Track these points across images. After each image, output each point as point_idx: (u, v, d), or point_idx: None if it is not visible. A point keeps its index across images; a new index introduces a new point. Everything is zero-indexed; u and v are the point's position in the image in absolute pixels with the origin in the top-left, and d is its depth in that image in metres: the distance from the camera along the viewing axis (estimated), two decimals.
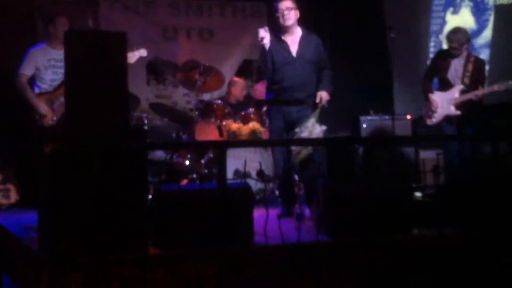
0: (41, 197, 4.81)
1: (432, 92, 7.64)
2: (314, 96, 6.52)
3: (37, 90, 6.86)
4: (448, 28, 10.38)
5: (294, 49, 6.55)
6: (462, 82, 7.55)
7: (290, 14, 6.47)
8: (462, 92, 7.52)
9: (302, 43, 6.56)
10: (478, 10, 10.50)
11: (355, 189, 5.08)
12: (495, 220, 5.24)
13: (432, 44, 10.35)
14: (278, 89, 6.52)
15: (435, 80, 7.89)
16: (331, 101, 6.64)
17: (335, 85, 6.70)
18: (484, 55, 10.41)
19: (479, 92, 7.56)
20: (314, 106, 6.50)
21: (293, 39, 6.58)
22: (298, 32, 6.61)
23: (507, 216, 5.26)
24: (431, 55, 10.23)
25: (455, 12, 10.46)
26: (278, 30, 6.61)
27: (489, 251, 5.14)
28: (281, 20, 6.50)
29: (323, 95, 6.44)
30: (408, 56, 9.88)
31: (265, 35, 6.43)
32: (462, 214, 5.41)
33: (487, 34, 10.51)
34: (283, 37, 6.58)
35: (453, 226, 5.35)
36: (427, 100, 7.65)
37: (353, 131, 8.74)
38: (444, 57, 7.73)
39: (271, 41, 6.51)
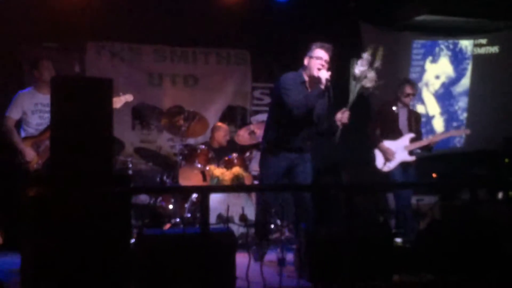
0: (24, 241, 4.76)
1: (381, 141, 7.77)
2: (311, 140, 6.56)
3: (23, 134, 6.83)
4: (427, 76, 10.54)
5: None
6: (410, 131, 7.81)
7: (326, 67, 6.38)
8: (412, 140, 7.77)
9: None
10: (457, 59, 10.65)
11: (337, 235, 5.07)
12: (473, 265, 5.25)
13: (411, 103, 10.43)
14: (281, 135, 6.45)
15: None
16: (316, 150, 6.68)
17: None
18: (462, 102, 10.57)
19: (435, 138, 8.05)
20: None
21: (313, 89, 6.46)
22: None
23: (486, 261, 5.27)
24: (411, 102, 10.33)
25: (434, 61, 10.60)
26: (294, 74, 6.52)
27: None
28: (313, 67, 6.37)
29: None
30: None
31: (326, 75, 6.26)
32: (442, 260, 5.41)
33: (465, 82, 10.67)
34: (306, 85, 6.47)
35: (432, 272, 5.35)
36: (378, 149, 7.77)
37: (336, 177, 8.76)
38: (390, 108, 7.89)
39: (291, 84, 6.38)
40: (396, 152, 7.71)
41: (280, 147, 6.46)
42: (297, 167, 6.48)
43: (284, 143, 6.45)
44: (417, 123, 7.97)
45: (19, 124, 6.88)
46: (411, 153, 7.74)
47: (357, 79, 6.24)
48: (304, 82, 6.46)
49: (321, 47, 6.43)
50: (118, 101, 7.13)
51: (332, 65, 6.42)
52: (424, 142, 7.84)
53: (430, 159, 9.90)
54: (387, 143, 7.75)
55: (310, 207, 6.44)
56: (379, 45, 6.49)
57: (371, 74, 6.32)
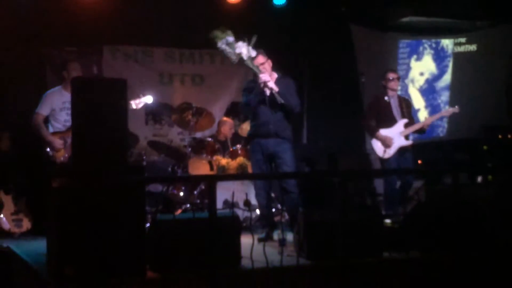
0: (50, 227, 4.79)
1: (378, 130, 7.67)
2: (290, 131, 6.61)
3: (51, 129, 6.83)
4: (413, 73, 10.53)
5: (267, 91, 6.53)
6: (403, 117, 7.71)
7: (264, 67, 6.51)
8: (406, 125, 7.66)
9: (276, 84, 6.55)
10: (439, 57, 10.65)
11: (332, 216, 5.08)
12: (456, 243, 5.26)
13: (399, 87, 10.41)
14: (256, 125, 6.59)
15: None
16: (312, 138, 6.69)
17: (316, 124, 6.71)
18: (445, 96, 10.57)
19: (429, 120, 8.01)
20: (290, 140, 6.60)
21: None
22: (273, 75, 6.60)
23: (466, 239, 5.28)
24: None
25: (418, 59, 10.59)
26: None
27: (452, 270, 5.15)
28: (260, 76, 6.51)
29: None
30: None
31: (267, 78, 6.42)
32: (427, 239, 5.42)
33: (447, 78, 10.67)
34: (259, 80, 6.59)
35: (419, 249, 5.37)
36: (376, 138, 7.67)
37: (330, 165, 8.75)
38: (382, 99, 7.82)
39: (249, 82, 6.64)
40: (393, 138, 7.62)
41: (257, 135, 6.57)
42: (277, 159, 6.50)
43: (259, 130, 6.54)
44: (408, 108, 7.86)
45: (47, 121, 6.90)
46: (407, 137, 7.64)
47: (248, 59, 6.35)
48: (256, 82, 6.58)
49: (260, 53, 6.57)
50: (139, 103, 7.15)
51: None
52: (418, 125, 7.76)
53: (415, 147, 9.92)
54: (384, 132, 7.64)
55: (295, 194, 6.48)
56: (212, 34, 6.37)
57: (241, 47, 6.33)
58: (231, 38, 6.31)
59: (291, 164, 6.50)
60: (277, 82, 6.55)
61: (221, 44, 6.33)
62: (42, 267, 4.88)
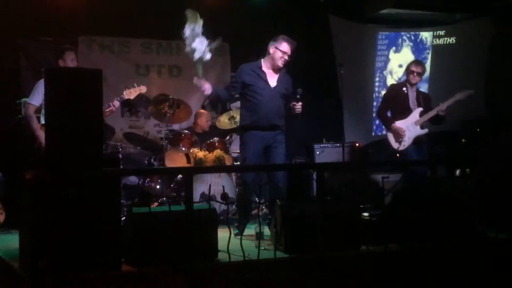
0: (23, 219, 4.74)
1: (393, 121, 7.59)
2: (284, 122, 6.60)
3: (43, 121, 6.74)
4: (391, 65, 10.56)
5: (273, 82, 6.55)
6: (419, 107, 7.60)
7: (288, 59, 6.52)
8: (422, 113, 7.54)
9: (281, 79, 6.59)
10: (418, 50, 10.69)
11: (309, 210, 5.08)
12: (434, 235, 5.29)
13: (377, 79, 10.49)
14: (256, 115, 6.48)
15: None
16: (289, 129, 6.69)
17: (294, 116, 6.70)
18: (423, 88, 10.57)
19: (444, 104, 7.56)
20: (287, 132, 6.61)
21: (272, 74, 6.59)
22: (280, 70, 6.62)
23: (444, 231, 5.31)
24: (376, 89, 10.38)
25: (397, 51, 10.63)
26: (256, 61, 6.65)
27: (429, 262, 5.18)
28: (280, 61, 6.49)
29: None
30: (356, 89, 9.99)
31: (205, 87, 6.48)
32: (405, 231, 5.45)
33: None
34: (264, 69, 6.58)
35: (397, 242, 5.38)
36: (391, 130, 7.59)
37: (308, 157, 8.76)
38: (400, 89, 7.72)
39: (245, 69, 6.57)
40: (407, 129, 7.50)
41: (256, 128, 6.48)
42: (273, 149, 6.48)
43: (258, 122, 6.47)
44: (426, 101, 7.70)
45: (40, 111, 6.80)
46: (423, 126, 7.52)
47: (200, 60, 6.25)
48: (260, 67, 6.57)
49: (288, 42, 6.53)
50: (134, 92, 7.11)
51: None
52: (433, 112, 7.52)
53: None
54: (398, 123, 7.54)
55: (283, 185, 6.46)
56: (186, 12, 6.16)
57: (200, 44, 6.16)
58: (199, 29, 6.13)
59: (283, 158, 6.53)
60: (280, 77, 6.60)
61: (187, 29, 6.14)
62: (15, 260, 4.83)
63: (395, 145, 7.60)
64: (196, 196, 7.05)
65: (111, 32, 9.24)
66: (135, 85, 7.15)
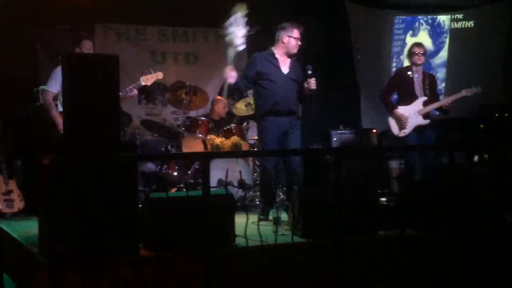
0: (41, 205, 4.78)
1: (396, 107, 7.52)
2: (300, 108, 6.71)
3: (60, 108, 6.78)
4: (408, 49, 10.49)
5: (285, 69, 6.61)
6: (424, 95, 7.51)
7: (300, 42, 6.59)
8: (425, 103, 7.46)
9: (292, 66, 6.65)
10: (435, 33, 10.62)
11: (326, 195, 5.07)
12: (451, 221, 5.28)
13: (394, 64, 10.43)
14: (273, 102, 6.51)
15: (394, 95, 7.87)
16: (305, 116, 6.70)
17: (310, 102, 6.70)
18: (441, 73, 10.55)
19: (449, 99, 7.59)
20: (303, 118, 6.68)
21: (285, 61, 6.64)
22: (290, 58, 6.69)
23: (462, 217, 5.31)
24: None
25: (414, 35, 10.56)
26: (267, 49, 6.71)
27: (448, 248, 5.17)
28: (294, 46, 6.57)
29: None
30: (373, 75, 9.94)
31: (231, 75, 6.48)
32: (422, 217, 5.43)
33: (443, 54, 10.65)
34: (277, 56, 6.63)
35: (413, 227, 5.37)
36: (393, 115, 7.52)
37: (325, 143, 8.74)
38: (405, 73, 7.64)
39: (259, 58, 6.62)
40: (409, 117, 7.42)
41: (273, 113, 6.49)
42: (289, 135, 6.50)
43: (275, 108, 6.49)
44: (432, 85, 7.64)
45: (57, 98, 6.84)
46: (425, 116, 7.44)
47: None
48: (273, 54, 6.64)
49: (298, 28, 6.61)
50: (150, 79, 7.12)
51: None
52: (437, 104, 7.49)
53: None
54: (401, 109, 7.47)
55: (300, 171, 6.47)
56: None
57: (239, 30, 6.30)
58: (241, 19, 6.25)
59: (299, 143, 6.56)
60: (292, 64, 6.67)
61: (233, 18, 6.26)
62: (34, 245, 4.88)
63: (395, 130, 7.53)
64: (213, 183, 7.07)
65: (127, 20, 9.27)
66: (152, 71, 7.17)
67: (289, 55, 6.63)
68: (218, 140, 7.72)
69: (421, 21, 10.58)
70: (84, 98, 4.57)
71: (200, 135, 7.86)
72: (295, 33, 6.56)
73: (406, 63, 9.89)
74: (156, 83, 9.26)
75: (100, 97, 4.60)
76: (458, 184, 5.88)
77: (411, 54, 7.61)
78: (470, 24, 10.62)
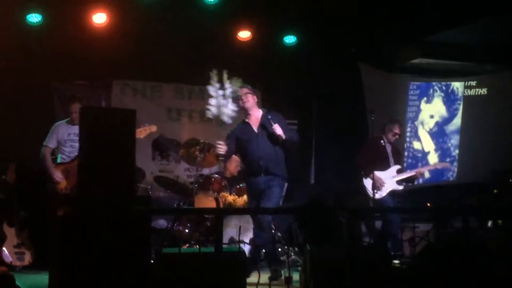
0: (53, 258, 4.74)
1: (372, 171, 7.82)
2: (282, 167, 6.63)
3: (59, 160, 6.90)
4: (422, 115, 10.53)
5: (256, 126, 6.73)
6: (396, 163, 8.10)
7: (247, 98, 6.75)
8: (399, 171, 8.05)
9: (262, 120, 6.75)
10: (449, 100, 10.65)
11: (339, 255, 5.02)
12: (465, 286, 5.19)
13: (408, 129, 10.43)
14: (247, 163, 6.73)
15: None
16: (319, 175, 6.70)
17: (324, 163, 6.72)
18: (454, 140, 10.54)
19: (422, 169, 8.51)
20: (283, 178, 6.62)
21: (256, 118, 6.78)
22: (259, 112, 6.84)
23: (476, 283, 5.22)
24: (408, 139, 10.33)
25: (428, 101, 10.60)
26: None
27: None
28: (241, 103, 6.78)
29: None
30: None
31: (222, 148, 6.64)
32: (436, 281, 5.35)
33: (457, 121, 10.66)
34: (246, 119, 6.83)
35: None
36: (370, 177, 7.82)
37: (337, 202, 8.74)
38: (379, 141, 8.18)
39: (236, 127, 6.87)
40: (385, 181, 7.89)
41: (250, 174, 6.69)
42: (264, 191, 6.55)
43: (250, 168, 6.68)
44: (400, 156, 8.36)
45: (55, 152, 6.96)
46: (399, 183, 7.98)
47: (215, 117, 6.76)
48: (243, 120, 6.97)
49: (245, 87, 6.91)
50: (143, 132, 7.19)
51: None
52: (411, 173, 8.17)
53: (425, 190, 9.86)
54: (378, 173, 7.90)
55: (269, 229, 6.59)
56: (222, 68, 6.77)
57: (227, 107, 6.69)
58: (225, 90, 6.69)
59: (274, 201, 6.50)
60: (262, 118, 6.77)
61: (228, 87, 6.67)
62: None
63: (370, 192, 7.80)
64: (225, 241, 7.03)
65: (144, 77, 9.38)
66: (146, 124, 7.25)
67: (250, 113, 6.82)
68: (230, 198, 7.72)
69: (435, 87, 10.63)
70: (100, 150, 4.59)
71: (213, 193, 7.85)
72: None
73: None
74: (171, 140, 9.35)
75: (117, 150, 4.61)
76: (472, 248, 5.80)
77: (390, 131, 8.18)
78: (483, 91, 10.65)
